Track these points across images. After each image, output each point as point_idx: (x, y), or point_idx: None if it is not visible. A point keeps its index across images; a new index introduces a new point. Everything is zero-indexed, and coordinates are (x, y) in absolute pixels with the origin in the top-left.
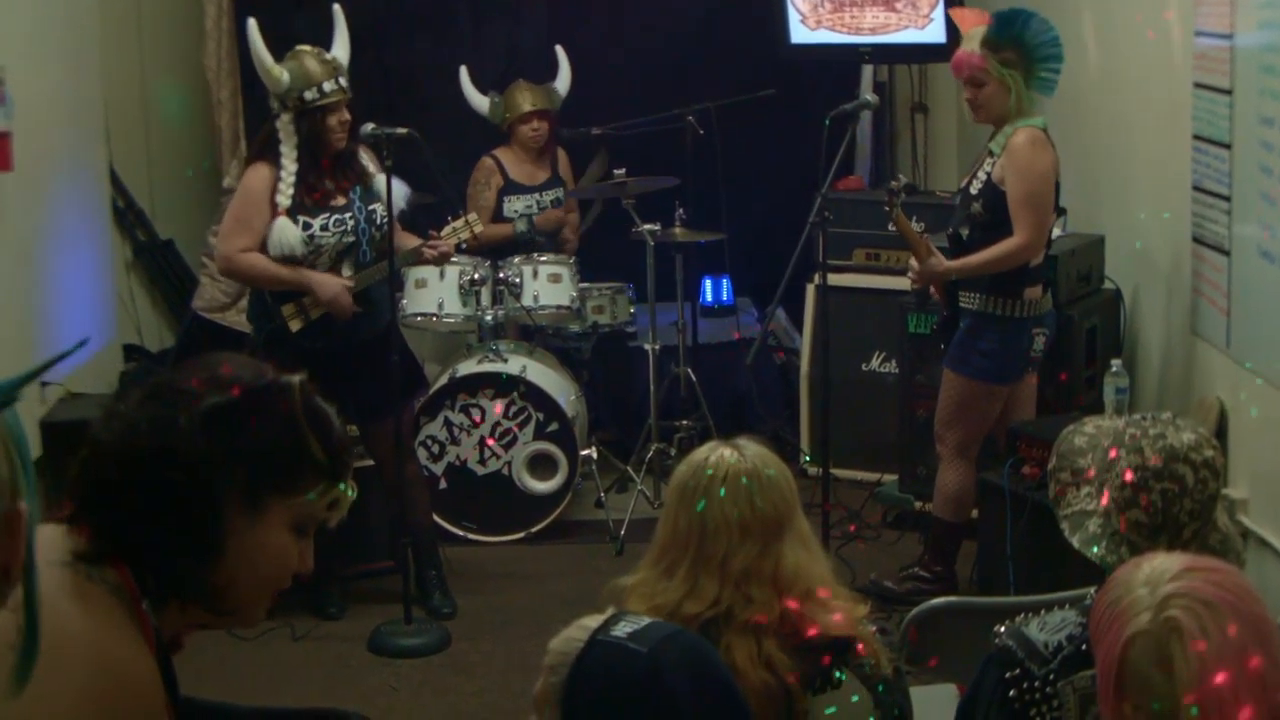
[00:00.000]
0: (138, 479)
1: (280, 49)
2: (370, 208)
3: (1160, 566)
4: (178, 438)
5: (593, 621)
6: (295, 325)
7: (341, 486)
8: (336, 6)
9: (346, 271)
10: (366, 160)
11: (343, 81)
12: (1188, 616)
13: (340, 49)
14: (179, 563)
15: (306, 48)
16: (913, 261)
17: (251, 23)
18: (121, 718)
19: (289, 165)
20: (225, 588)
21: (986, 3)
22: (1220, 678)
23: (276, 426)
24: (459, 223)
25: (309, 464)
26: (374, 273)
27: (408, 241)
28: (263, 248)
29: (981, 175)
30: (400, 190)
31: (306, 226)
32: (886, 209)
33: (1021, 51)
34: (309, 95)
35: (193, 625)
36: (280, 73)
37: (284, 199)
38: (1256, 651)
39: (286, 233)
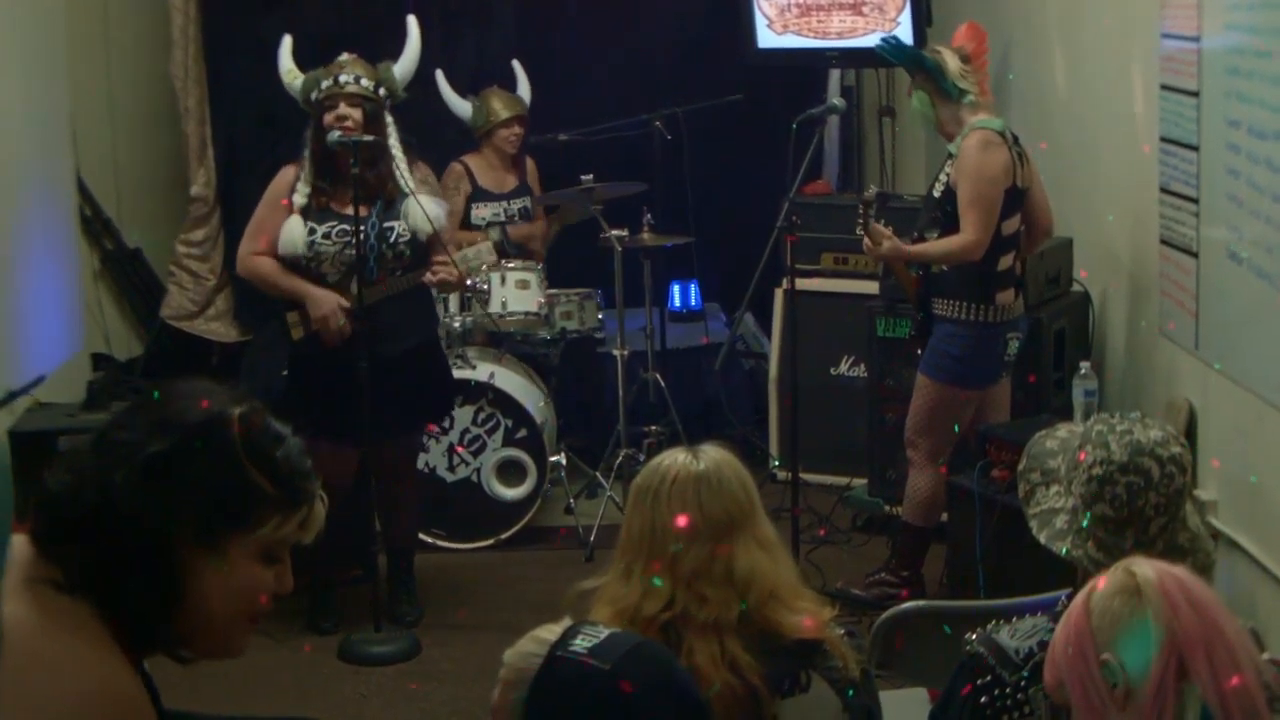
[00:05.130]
0: (86, 534)
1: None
2: (386, 225)
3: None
4: (115, 496)
5: (549, 634)
6: (296, 334)
7: (303, 509)
8: (411, 17)
9: (354, 289)
10: (406, 178)
11: (343, 78)
12: (1152, 568)
13: (402, 62)
14: (142, 612)
15: (342, 55)
16: (867, 243)
17: (286, 39)
18: None
19: (308, 167)
20: (192, 632)
21: (965, 11)
22: (1189, 620)
23: (216, 467)
24: (470, 251)
25: (257, 498)
26: (377, 291)
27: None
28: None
29: (942, 179)
30: (436, 210)
31: (311, 231)
32: (860, 220)
33: (923, 72)
34: (313, 96)
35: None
36: (293, 77)
37: (299, 197)
38: (1226, 627)
39: (293, 232)
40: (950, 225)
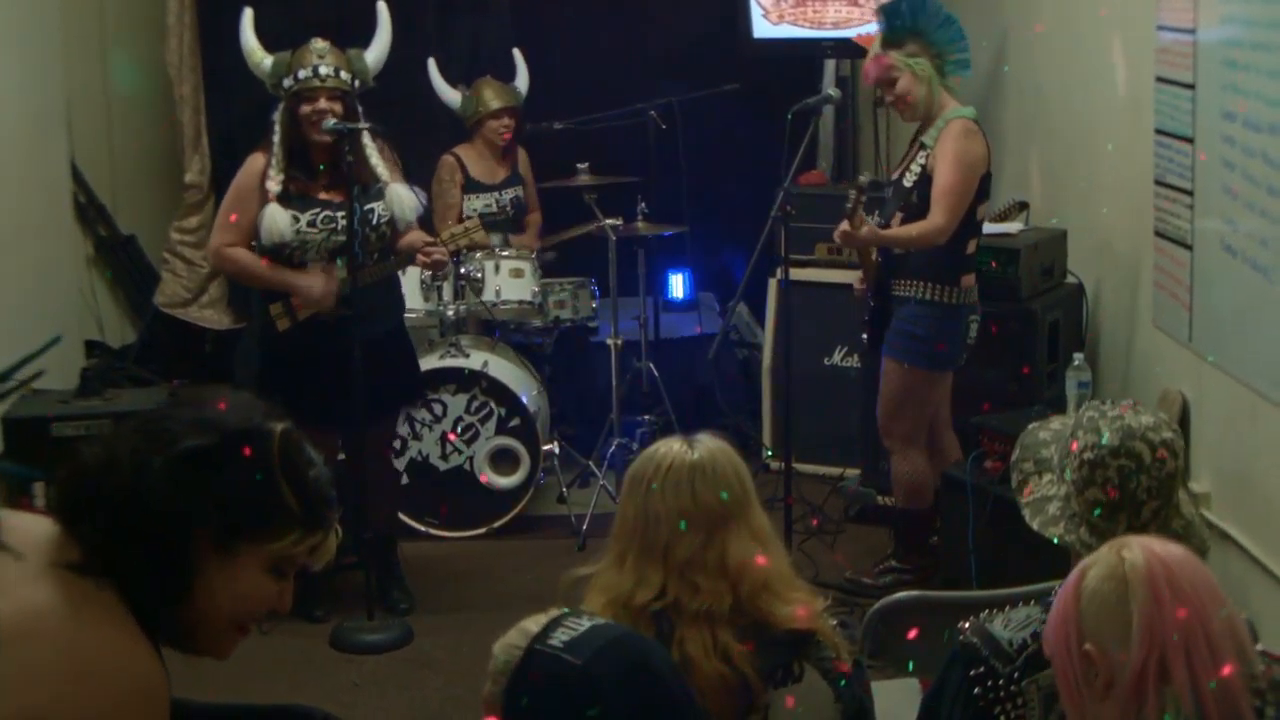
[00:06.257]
0: (111, 512)
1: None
2: (367, 208)
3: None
4: (149, 479)
5: (534, 625)
6: (282, 325)
7: (320, 533)
8: (381, 4)
9: (341, 274)
10: (378, 162)
11: (322, 70)
12: (1143, 553)
13: (373, 50)
14: (149, 598)
15: (315, 41)
16: (845, 227)
17: (246, 12)
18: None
19: (278, 153)
20: (189, 626)
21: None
22: (1172, 617)
23: (249, 474)
24: (458, 228)
25: (282, 512)
26: (367, 275)
27: (414, 241)
28: (255, 238)
29: (915, 168)
30: (413, 196)
31: (294, 221)
32: (849, 205)
33: (923, 41)
34: (286, 83)
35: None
36: (261, 57)
37: (274, 185)
38: (1212, 618)
39: (276, 220)
40: (922, 213)
